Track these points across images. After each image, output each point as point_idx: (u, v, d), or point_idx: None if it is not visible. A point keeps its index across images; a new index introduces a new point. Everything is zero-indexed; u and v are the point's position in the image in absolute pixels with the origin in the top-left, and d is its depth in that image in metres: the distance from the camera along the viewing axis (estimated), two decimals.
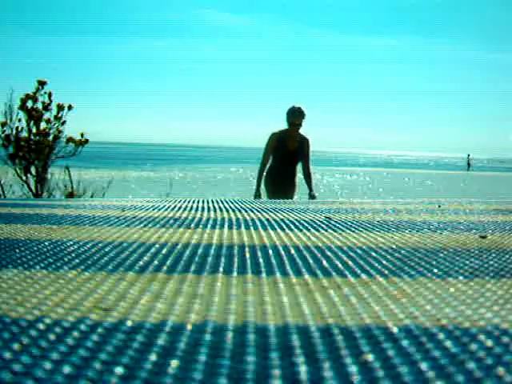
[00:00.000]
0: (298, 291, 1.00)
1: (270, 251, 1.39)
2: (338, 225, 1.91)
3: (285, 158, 6.94)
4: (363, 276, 1.13)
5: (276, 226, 1.85)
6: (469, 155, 63.56)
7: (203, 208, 2.45)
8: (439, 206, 2.68)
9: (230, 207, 2.51)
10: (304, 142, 6.98)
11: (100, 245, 1.45)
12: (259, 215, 2.18)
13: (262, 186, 6.87)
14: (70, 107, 8.08)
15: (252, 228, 1.81)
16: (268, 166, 7.04)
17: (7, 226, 1.79)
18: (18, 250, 1.35)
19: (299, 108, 6.87)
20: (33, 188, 7.92)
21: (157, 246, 1.45)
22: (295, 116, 6.86)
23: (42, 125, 8.01)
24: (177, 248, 1.42)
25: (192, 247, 1.44)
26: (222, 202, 2.78)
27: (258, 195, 6.88)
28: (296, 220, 2.03)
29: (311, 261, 1.28)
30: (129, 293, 0.97)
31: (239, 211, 2.33)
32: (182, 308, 0.88)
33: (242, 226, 1.85)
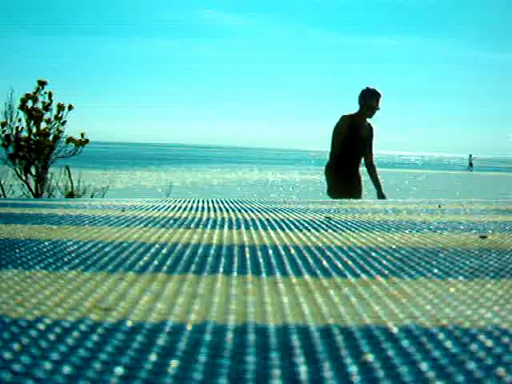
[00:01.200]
0: (297, 291, 1.00)
1: (270, 251, 1.39)
2: (337, 225, 1.91)
3: (356, 147, 5.98)
4: (363, 276, 1.13)
5: (276, 226, 1.85)
6: (471, 155, 63.42)
7: (203, 208, 2.45)
8: (439, 206, 2.68)
9: (230, 207, 2.51)
10: (372, 129, 6.14)
11: (100, 245, 1.45)
12: (259, 215, 2.18)
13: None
14: (70, 107, 8.08)
15: (252, 228, 1.81)
16: (333, 157, 6.02)
17: (7, 226, 1.79)
18: (18, 250, 1.35)
19: (375, 89, 5.99)
20: (33, 188, 7.92)
21: (157, 246, 1.45)
22: (376, 98, 5.95)
23: (42, 125, 8.01)
24: (177, 248, 1.42)
25: (192, 247, 1.44)
26: (222, 202, 2.78)
27: (332, 192, 5.97)
28: (296, 220, 2.03)
29: (311, 261, 1.28)
30: (129, 293, 0.97)
31: (239, 211, 2.33)
32: (182, 308, 0.88)
33: (242, 226, 1.85)
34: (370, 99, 5.93)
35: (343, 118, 5.99)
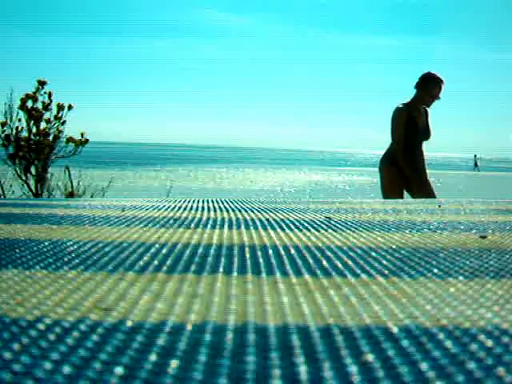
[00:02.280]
0: (297, 291, 1.00)
1: (270, 251, 1.39)
2: (337, 225, 1.91)
3: (415, 139, 5.40)
4: (363, 276, 1.13)
5: (276, 226, 1.85)
6: (475, 155, 63.18)
7: (203, 208, 2.45)
8: (439, 206, 2.68)
9: (230, 207, 2.51)
10: (427, 112, 5.57)
11: (100, 245, 1.45)
12: (259, 215, 2.18)
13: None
14: (70, 107, 8.09)
15: (252, 228, 1.81)
16: (389, 151, 5.45)
17: (7, 225, 1.79)
18: (17, 250, 1.35)
19: (438, 76, 5.41)
20: (33, 188, 7.93)
21: (157, 245, 1.45)
22: (440, 85, 5.41)
23: (42, 125, 8.02)
24: (177, 248, 1.42)
25: (192, 247, 1.44)
26: (221, 201, 2.78)
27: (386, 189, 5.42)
28: (296, 220, 2.03)
29: (311, 261, 1.28)
30: (129, 293, 0.97)
31: (239, 211, 2.33)
32: (182, 308, 0.88)
33: (242, 226, 1.85)
34: (432, 86, 5.39)
35: (398, 110, 5.44)
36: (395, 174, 5.45)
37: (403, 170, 5.41)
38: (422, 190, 5.41)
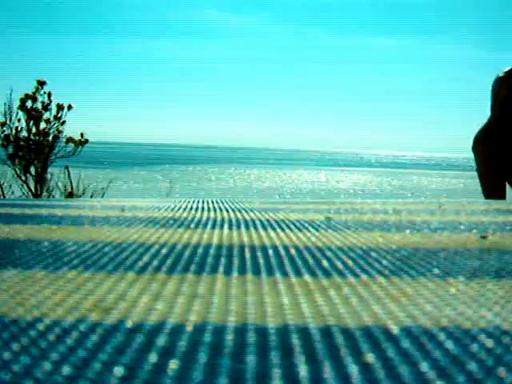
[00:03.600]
0: (297, 291, 1.00)
1: (270, 251, 1.39)
2: (337, 225, 1.91)
3: None
4: (363, 276, 1.13)
5: (276, 226, 1.85)
6: None
7: (203, 208, 2.45)
8: (440, 206, 2.68)
9: (230, 207, 2.50)
10: None
11: (100, 245, 1.45)
12: (259, 215, 2.18)
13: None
14: (69, 107, 8.10)
15: (252, 228, 1.81)
16: (483, 128, 4.50)
17: (7, 226, 1.79)
18: (17, 250, 1.35)
19: None
20: (32, 188, 7.93)
21: (157, 246, 1.45)
22: None
23: (42, 125, 8.03)
24: (177, 248, 1.42)
25: (192, 247, 1.43)
26: (221, 202, 2.78)
27: (480, 175, 4.37)
28: (296, 220, 2.03)
29: (311, 261, 1.28)
30: (128, 293, 0.97)
31: (239, 211, 2.33)
32: (182, 308, 0.88)
33: (242, 226, 1.85)
34: None
35: (498, 79, 4.57)
36: (490, 155, 4.47)
37: (488, 150, 4.42)
38: (485, 187, 4.46)
